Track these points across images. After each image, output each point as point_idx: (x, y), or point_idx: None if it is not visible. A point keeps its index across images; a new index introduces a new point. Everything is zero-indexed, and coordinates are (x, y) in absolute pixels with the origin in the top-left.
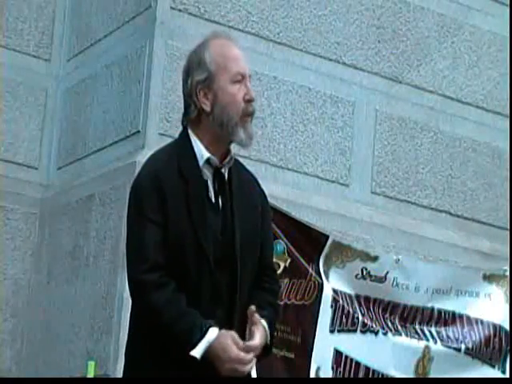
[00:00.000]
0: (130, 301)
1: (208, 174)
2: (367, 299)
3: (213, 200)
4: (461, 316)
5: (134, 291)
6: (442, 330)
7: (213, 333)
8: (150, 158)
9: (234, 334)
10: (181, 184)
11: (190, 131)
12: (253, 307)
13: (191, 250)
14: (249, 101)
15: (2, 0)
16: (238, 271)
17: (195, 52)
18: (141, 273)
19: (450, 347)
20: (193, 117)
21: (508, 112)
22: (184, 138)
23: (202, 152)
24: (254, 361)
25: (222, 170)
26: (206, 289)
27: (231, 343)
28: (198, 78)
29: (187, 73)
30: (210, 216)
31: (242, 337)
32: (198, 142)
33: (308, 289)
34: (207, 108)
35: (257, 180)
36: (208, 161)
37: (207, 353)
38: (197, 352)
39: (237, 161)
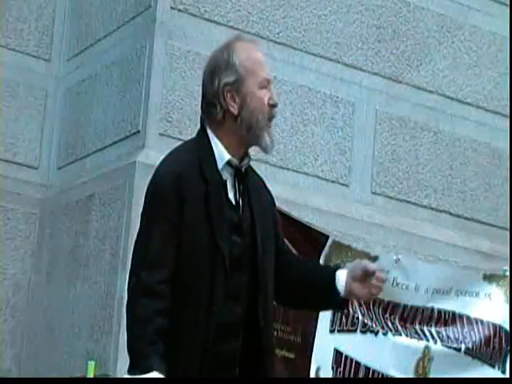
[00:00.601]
0: None
1: (227, 175)
2: None
3: (232, 200)
4: (461, 316)
5: (130, 288)
6: (442, 329)
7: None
8: (173, 158)
9: None
10: (201, 185)
11: (209, 131)
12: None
13: (207, 249)
14: (273, 105)
15: (1, 0)
16: (259, 272)
17: (221, 53)
18: (140, 269)
19: (450, 347)
20: (218, 118)
21: (508, 112)
22: (203, 137)
23: (222, 153)
24: None
25: (242, 169)
26: (219, 287)
27: None
28: (226, 79)
29: (213, 73)
30: (229, 216)
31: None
32: (219, 143)
33: None
34: (234, 111)
35: (266, 184)
36: (228, 162)
37: None
38: (131, 374)
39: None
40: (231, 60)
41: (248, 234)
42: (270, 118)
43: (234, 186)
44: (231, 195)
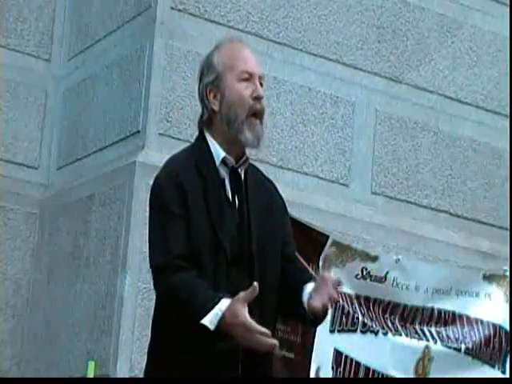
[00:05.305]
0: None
1: (224, 174)
2: (367, 299)
3: (230, 198)
4: (461, 316)
5: (157, 277)
6: (442, 329)
7: (225, 302)
8: (168, 160)
9: (242, 296)
10: (199, 182)
11: (205, 133)
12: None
13: (209, 245)
14: (256, 98)
15: (2, 0)
16: (254, 269)
17: (207, 57)
18: (164, 261)
19: (450, 347)
20: (205, 118)
21: (508, 112)
22: (200, 140)
23: (218, 152)
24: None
25: (239, 170)
26: (222, 284)
27: (241, 307)
28: (207, 80)
29: (199, 78)
30: (228, 213)
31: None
32: (215, 143)
33: None
34: (216, 107)
35: (276, 188)
36: (224, 160)
37: (221, 323)
38: (207, 320)
39: (255, 167)
40: (212, 61)
41: (244, 232)
42: (255, 111)
43: (230, 184)
44: (229, 192)
